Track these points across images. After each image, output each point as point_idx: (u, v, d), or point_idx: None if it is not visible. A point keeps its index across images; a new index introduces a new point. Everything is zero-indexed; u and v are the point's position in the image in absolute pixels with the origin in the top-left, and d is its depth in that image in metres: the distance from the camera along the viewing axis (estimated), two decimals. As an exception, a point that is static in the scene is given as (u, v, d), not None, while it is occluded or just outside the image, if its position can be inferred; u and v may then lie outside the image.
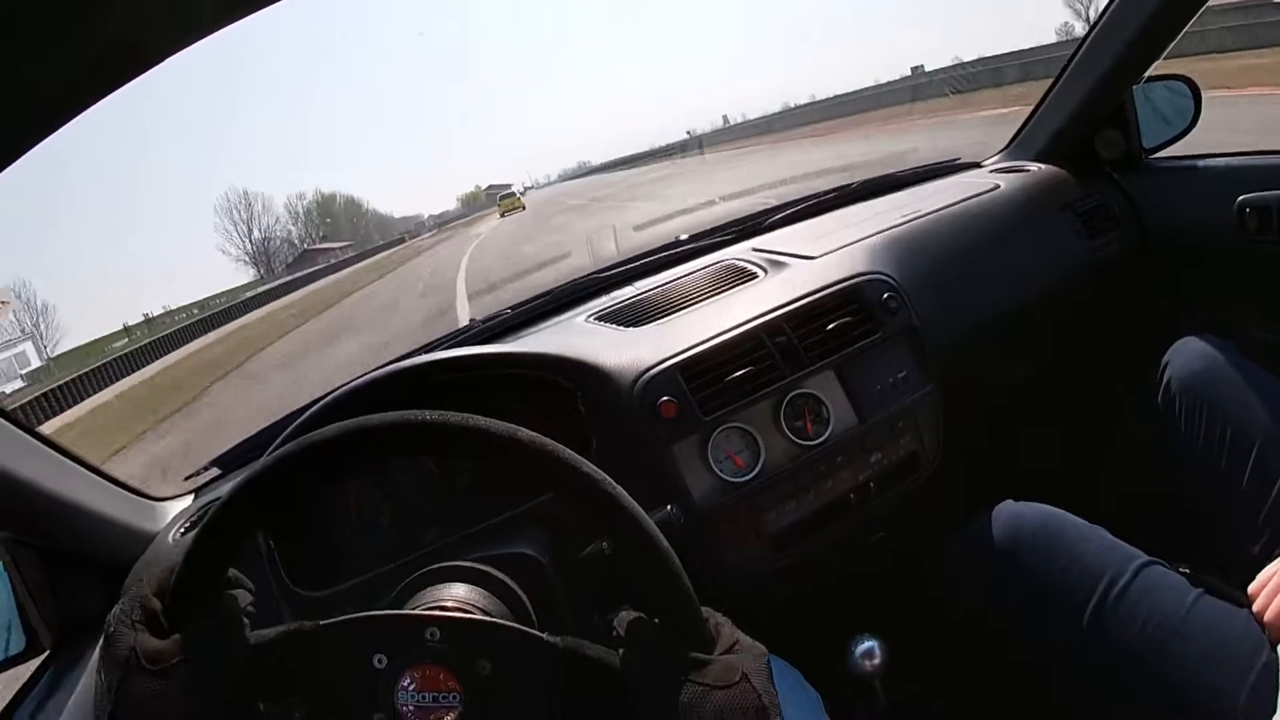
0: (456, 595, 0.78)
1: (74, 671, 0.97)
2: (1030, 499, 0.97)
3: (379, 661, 0.57)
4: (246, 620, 0.59)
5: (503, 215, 31.25)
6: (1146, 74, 1.34)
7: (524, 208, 32.32)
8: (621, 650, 0.58)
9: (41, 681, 0.97)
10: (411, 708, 0.57)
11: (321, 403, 1.00)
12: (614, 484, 0.58)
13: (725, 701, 0.54)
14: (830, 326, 1.08)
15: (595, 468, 0.58)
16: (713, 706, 0.53)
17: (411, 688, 0.57)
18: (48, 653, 1.01)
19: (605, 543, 0.81)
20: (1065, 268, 1.32)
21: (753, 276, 1.21)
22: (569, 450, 0.58)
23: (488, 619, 0.73)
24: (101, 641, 0.56)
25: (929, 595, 1.05)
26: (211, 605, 0.59)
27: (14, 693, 0.98)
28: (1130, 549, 0.88)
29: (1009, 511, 0.96)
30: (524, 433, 0.58)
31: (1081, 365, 1.40)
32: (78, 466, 1.01)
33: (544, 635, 0.59)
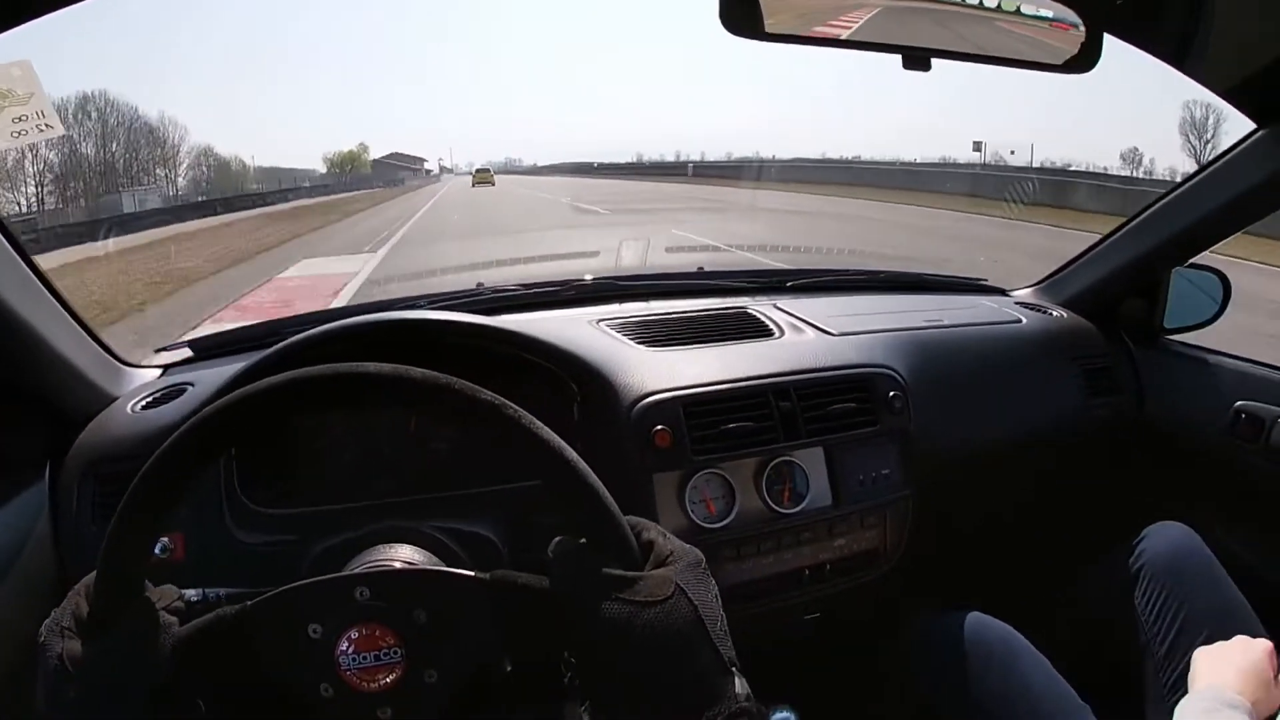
0: (400, 555, 0.76)
1: None
2: (986, 610, 1.04)
3: (314, 631, 0.55)
4: (174, 616, 0.57)
5: (474, 186, 32.96)
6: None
7: (493, 184, 33.36)
8: (550, 574, 0.57)
9: None
10: (355, 670, 0.55)
11: (299, 338, 0.97)
12: (523, 411, 0.57)
13: (657, 618, 0.52)
14: (833, 407, 1.08)
15: (504, 400, 0.57)
16: (644, 623, 0.52)
17: (350, 650, 0.55)
18: None
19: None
20: (1060, 417, 1.35)
21: (768, 333, 1.21)
22: (473, 386, 0.56)
23: (417, 567, 0.71)
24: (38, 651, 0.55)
25: (868, 675, 1.09)
26: (134, 603, 0.56)
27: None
28: (1070, 694, 0.94)
29: (976, 621, 1.02)
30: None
31: (1054, 512, 1.43)
32: (59, 306, 0.98)
33: (473, 573, 0.57)
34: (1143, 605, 1.05)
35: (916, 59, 0.97)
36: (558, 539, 0.61)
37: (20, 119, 0.86)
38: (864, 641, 1.23)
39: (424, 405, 0.58)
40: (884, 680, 1.21)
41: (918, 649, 1.08)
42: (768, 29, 0.91)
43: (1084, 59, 1.00)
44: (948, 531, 1.23)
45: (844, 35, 0.96)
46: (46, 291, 0.96)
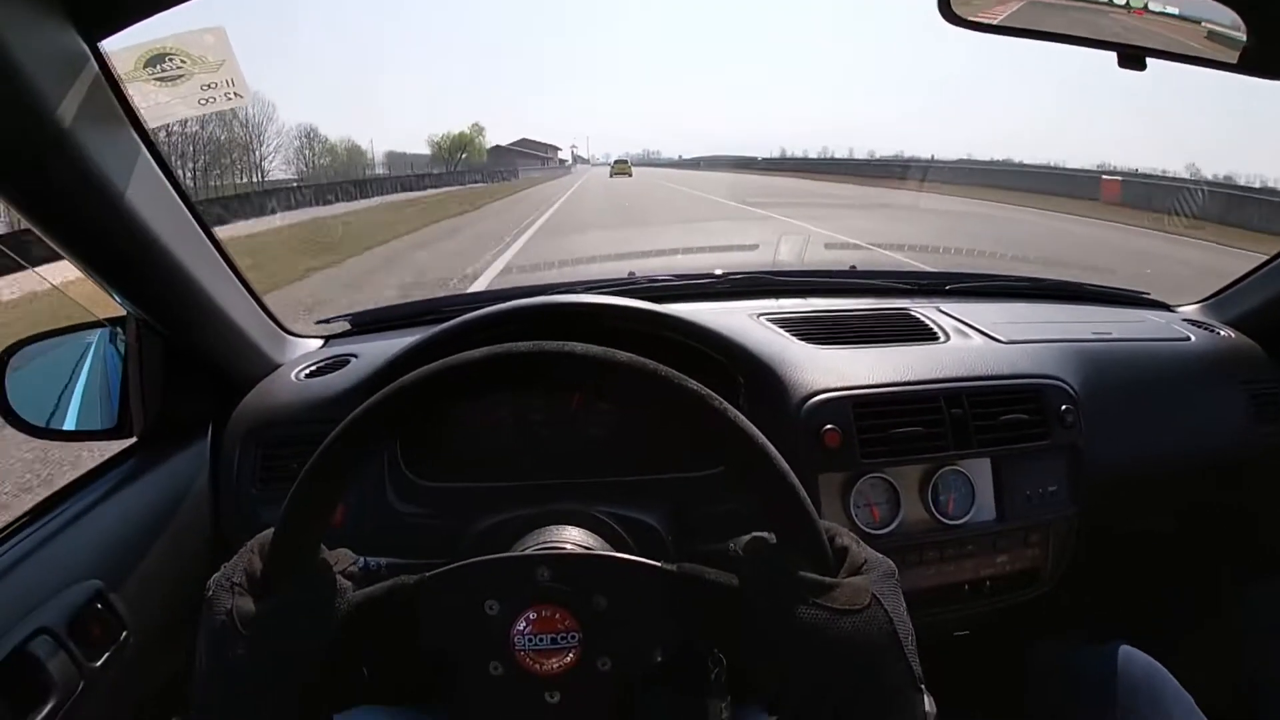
0: (570, 537, 0.75)
1: (154, 469, 0.96)
2: (1133, 642, 1.00)
3: (491, 608, 0.55)
4: (349, 581, 0.57)
5: (612, 176, 34.54)
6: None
7: (630, 175, 34.95)
8: (740, 572, 0.55)
9: (118, 469, 0.96)
10: (529, 652, 0.54)
11: (469, 317, 0.97)
12: (728, 405, 0.55)
13: (853, 627, 0.50)
14: (1004, 417, 1.04)
15: (709, 391, 0.55)
16: (841, 632, 0.50)
17: (527, 631, 0.54)
18: (133, 440, 1.00)
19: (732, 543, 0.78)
20: (1225, 442, 1.27)
21: (934, 337, 1.17)
22: (680, 374, 0.55)
23: (600, 553, 0.70)
24: (203, 607, 0.55)
25: (1010, 701, 1.05)
26: (311, 565, 0.57)
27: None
28: None
29: (1122, 655, 0.98)
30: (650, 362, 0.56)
31: (1210, 541, 1.36)
32: (232, 275, 1.00)
33: (660, 563, 0.56)
34: None
35: (1132, 58, 0.92)
36: (749, 536, 0.61)
37: (209, 85, 0.87)
38: (1008, 665, 1.18)
39: (624, 389, 0.57)
40: (1025, 708, 1.17)
41: (1060, 678, 1.04)
42: (969, 17, 0.88)
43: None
44: (1101, 555, 1.18)
45: (1054, 30, 0.91)
46: (223, 261, 0.98)
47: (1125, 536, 1.26)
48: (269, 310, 1.12)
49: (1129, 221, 11.49)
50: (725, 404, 0.55)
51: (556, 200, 17.23)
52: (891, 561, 0.57)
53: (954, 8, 0.84)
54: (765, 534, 0.60)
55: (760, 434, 0.55)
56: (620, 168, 39.13)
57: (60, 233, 0.76)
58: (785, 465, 0.55)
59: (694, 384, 0.55)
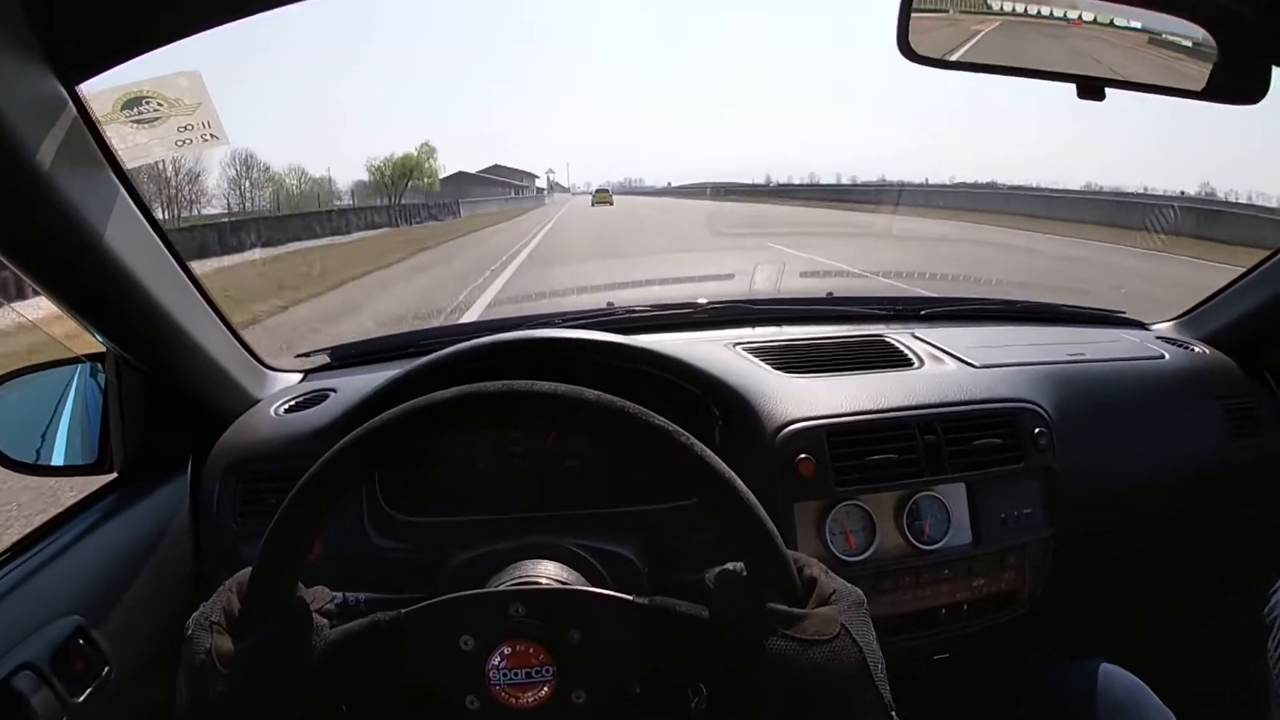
0: (546, 572, 0.76)
1: (135, 504, 0.97)
2: (1114, 659, 1.01)
3: (465, 643, 0.56)
4: (325, 619, 0.58)
5: (593, 205, 34.26)
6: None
7: (611, 203, 34.83)
8: (710, 604, 0.57)
9: (99, 505, 0.96)
10: (505, 686, 0.55)
11: (446, 352, 0.98)
12: (694, 440, 0.57)
13: (822, 657, 0.52)
14: (977, 442, 1.05)
15: (676, 426, 0.57)
16: (810, 662, 0.52)
17: (502, 666, 0.55)
18: (113, 477, 1.00)
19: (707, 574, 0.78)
20: (1201, 458, 1.29)
21: (908, 363, 1.19)
22: (646, 411, 0.57)
23: (573, 587, 0.72)
24: (182, 646, 0.56)
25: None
26: (288, 602, 0.58)
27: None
28: None
29: (1104, 673, 1.00)
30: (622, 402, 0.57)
31: (1188, 557, 1.37)
32: (210, 311, 1.01)
33: (631, 597, 0.58)
34: (1276, 657, 1.01)
35: (1091, 89, 0.94)
36: (719, 569, 0.61)
37: (186, 127, 0.89)
38: (988, 687, 1.19)
39: (593, 426, 0.59)
40: None
41: (1043, 698, 1.05)
42: (928, 54, 0.90)
43: (1252, 89, 0.97)
44: (1080, 574, 1.19)
45: (1014, 64, 0.94)
46: (200, 297, 0.99)
47: (1103, 554, 1.27)
48: (248, 345, 1.12)
49: (1110, 240, 11.55)
50: (691, 439, 0.57)
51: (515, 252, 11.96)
52: (860, 591, 0.58)
53: (913, 46, 0.86)
54: (735, 565, 0.61)
55: (726, 467, 0.57)
56: (601, 196, 39.24)
57: (40, 272, 0.77)
58: (752, 497, 0.56)
59: (660, 420, 0.57)
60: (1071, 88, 0.95)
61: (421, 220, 25.67)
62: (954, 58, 0.89)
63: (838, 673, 0.52)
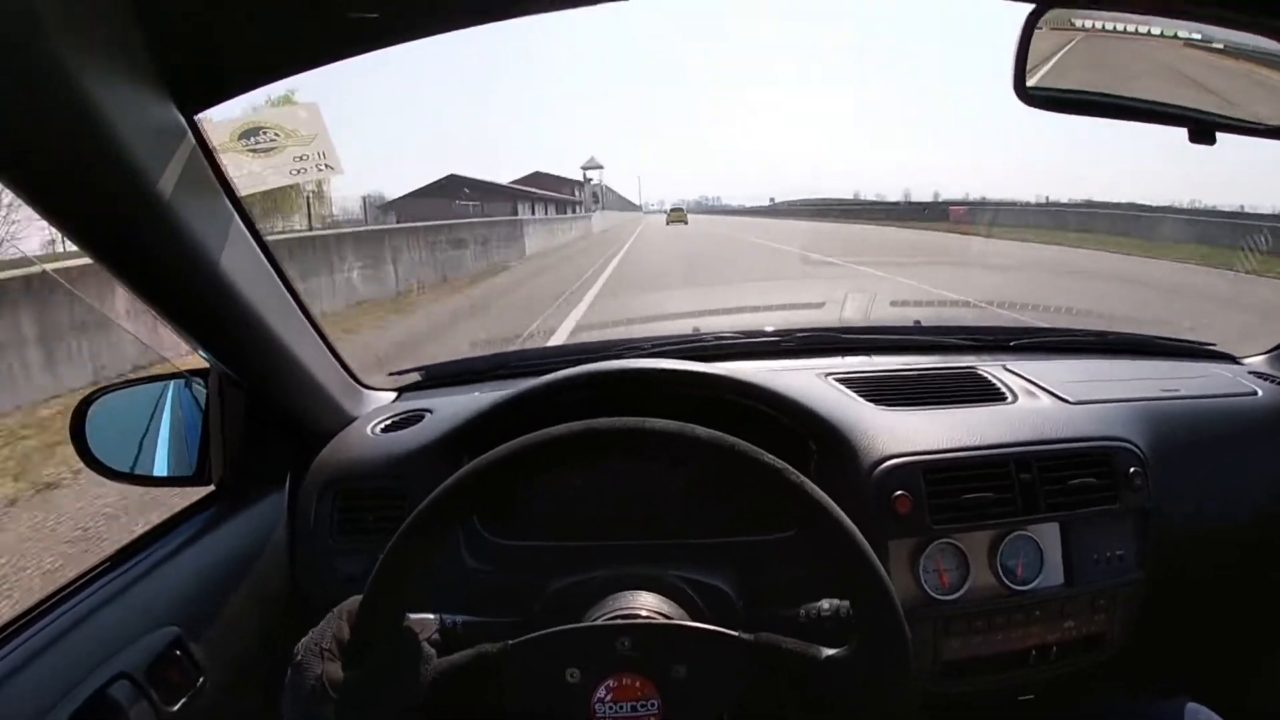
0: (646, 604, 0.77)
1: (232, 518, 0.99)
2: (1200, 699, 1.01)
3: (572, 676, 0.57)
4: (432, 649, 0.59)
5: (668, 224, 35.02)
6: None
7: (686, 223, 35.41)
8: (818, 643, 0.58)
9: (198, 518, 0.98)
10: (609, 718, 0.57)
11: (543, 381, 0.99)
12: (803, 477, 0.59)
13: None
14: (1072, 481, 1.03)
15: (785, 464, 0.59)
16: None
17: (608, 699, 0.57)
18: (211, 489, 1.02)
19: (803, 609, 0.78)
20: None
21: (1002, 398, 1.17)
22: (756, 448, 0.59)
23: (680, 623, 0.72)
24: (289, 671, 0.58)
25: None
26: (397, 633, 0.59)
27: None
28: None
29: (1190, 711, 1.00)
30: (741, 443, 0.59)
31: (1275, 601, 1.33)
32: (311, 329, 1.02)
33: (738, 633, 0.59)
34: None
35: (1202, 132, 0.91)
36: (824, 603, 0.64)
37: (302, 157, 0.92)
38: None
39: (703, 464, 0.60)
40: None
41: None
42: (1046, 88, 0.88)
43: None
44: (1169, 615, 1.16)
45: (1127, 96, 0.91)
46: (304, 316, 1.01)
47: (1194, 594, 1.24)
48: (345, 363, 1.14)
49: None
50: (802, 477, 0.58)
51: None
52: None
53: (1028, 87, 0.84)
54: (835, 603, 0.64)
55: (837, 507, 0.58)
56: (676, 215, 39.63)
57: (154, 294, 0.80)
58: (863, 540, 0.57)
59: (770, 457, 0.58)
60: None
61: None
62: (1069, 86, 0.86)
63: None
